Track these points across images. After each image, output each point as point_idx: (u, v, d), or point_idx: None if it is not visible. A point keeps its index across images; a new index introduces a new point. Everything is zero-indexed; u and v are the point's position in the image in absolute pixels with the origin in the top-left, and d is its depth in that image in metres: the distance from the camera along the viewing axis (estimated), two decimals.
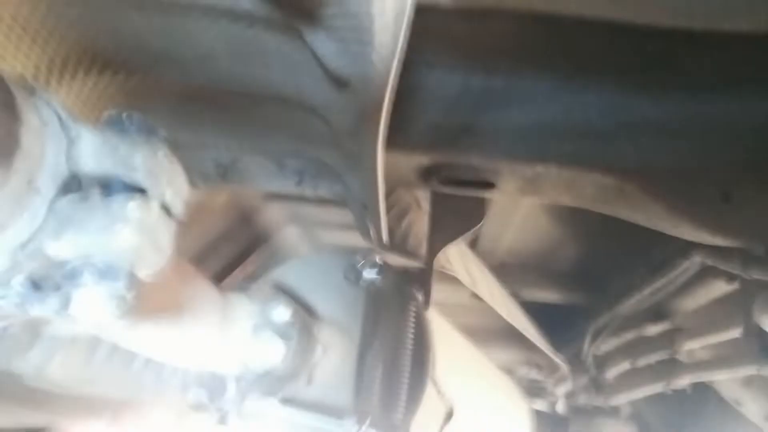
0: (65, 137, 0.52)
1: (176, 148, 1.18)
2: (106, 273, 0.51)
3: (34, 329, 1.24)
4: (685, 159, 1.16)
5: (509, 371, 3.17)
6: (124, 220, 0.51)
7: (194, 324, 0.92)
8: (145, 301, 0.76)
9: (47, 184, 0.50)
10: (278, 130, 1.12)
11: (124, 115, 0.56)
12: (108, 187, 0.54)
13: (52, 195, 0.51)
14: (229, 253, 1.93)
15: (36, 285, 0.52)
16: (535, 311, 2.67)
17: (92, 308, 0.50)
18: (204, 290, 0.98)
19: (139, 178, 0.52)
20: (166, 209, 0.56)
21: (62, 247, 0.51)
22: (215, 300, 1.02)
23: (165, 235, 0.56)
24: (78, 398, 1.68)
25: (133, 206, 0.52)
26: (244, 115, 1.08)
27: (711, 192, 1.15)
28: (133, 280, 0.53)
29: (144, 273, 0.55)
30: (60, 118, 0.53)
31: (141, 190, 0.54)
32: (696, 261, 1.69)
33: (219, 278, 1.66)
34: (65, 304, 0.50)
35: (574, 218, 2.21)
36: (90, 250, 0.51)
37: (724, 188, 1.15)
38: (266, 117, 1.08)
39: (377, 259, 1.28)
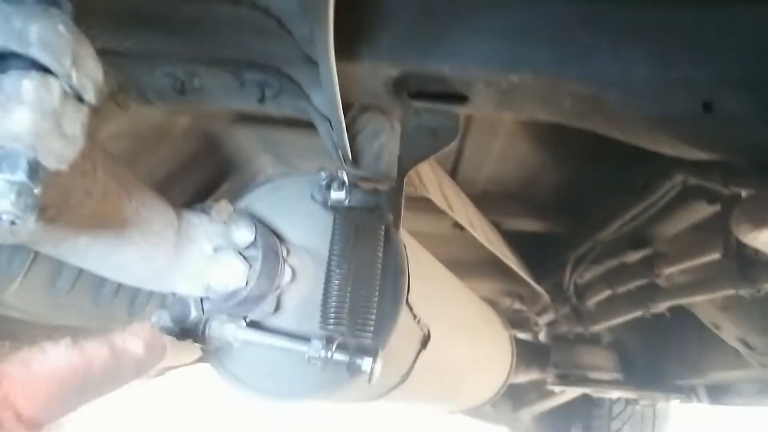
0: None
1: (126, 58, 1.11)
2: (2, 161, 0.46)
3: None
4: (666, 69, 1.11)
5: (491, 302, 3.20)
6: (17, 100, 0.45)
7: (143, 240, 0.87)
8: (79, 211, 0.71)
9: None
10: (233, 36, 1.04)
11: None
12: (2, 64, 0.47)
13: None
14: (197, 181, 1.87)
15: None
16: (517, 241, 2.67)
17: None
18: (155, 205, 0.93)
19: (35, 53, 0.46)
20: (74, 92, 0.50)
21: None
22: (168, 217, 0.97)
23: (73, 121, 0.50)
24: (50, 329, 1.66)
25: (27, 84, 0.46)
26: (195, 18, 1.00)
27: (691, 102, 1.10)
28: (35, 170, 0.47)
29: (51, 163, 0.49)
30: None
31: (42, 69, 0.47)
32: (677, 180, 1.66)
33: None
34: None
35: (555, 144, 2.16)
36: None
37: (706, 98, 1.10)
38: (219, 20, 1.00)
39: (344, 178, 1.23)
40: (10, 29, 0.46)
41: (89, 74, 0.51)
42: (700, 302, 2.38)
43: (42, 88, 0.46)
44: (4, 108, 0.45)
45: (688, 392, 3.11)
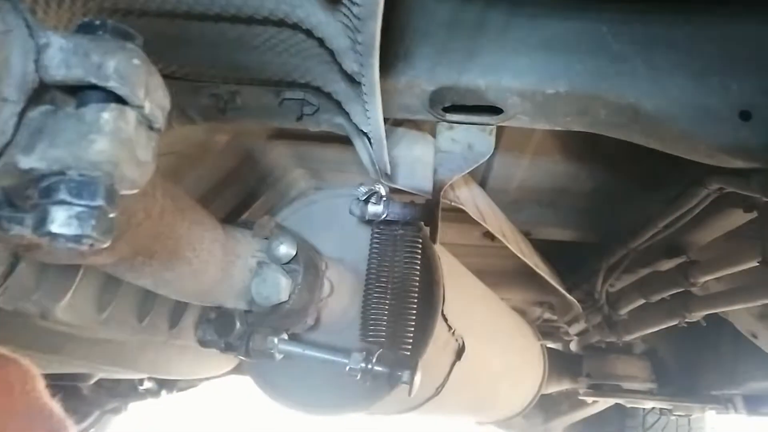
0: (33, 43, 0.49)
1: (172, 80, 1.15)
2: (83, 188, 0.48)
3: (39, 271, 1.24)
4: (703, 78, 1.12)
5: (522, 312, 3.18)
6: (98, 131, 0.48)
7: (194, 256, 0.90)
8: (139, 230, 0.74)
9: (15, 93, 0.47)
10: (275, 57, 1.07)
11: (97, 21, 0.52)
12: (82, 97, 0.50)
13: (22, 106, 0.48)
14: (235, 195, 1.91)
15: (11, 203, 0.50)
16: (548, 250, 2.65)
17: (71, 225, 0.48)
18: (205, 224, 0.96)
19: (114, 86, 0.49)
20: (146, 121, 0.53)
21: (35, 162, 0.48)
22: (217, 235, 1.00)
23: (146, 148, 0.53)
24: (93, 342, 1.71)
25: (107, 116, 0.49)
26: (238, 41, 1.03)
27: (729, 111, 1.10)
28: (112, 196, 0.50)
29: (125, 188, 0.52)
30: (27, 24, 0.49)
31: (118, 100, 0.50)
32: (713, 188, 1.64)
33: (227, 222, 1.65)
34: (42, 221, 0.48)
35: (586, 153, 2.15)
36: (65, 164, 0.48)
37: (743, 106, 1.10)
38: (261, 43, 1.03)
39: (382, 192, 1.25)
40: (90, 64, 0.49)
41: (160, 103, 0.54)
42: (736, 310, 2.34)
43: (119, 119, 0.49)
44: (86, 138, 0.48)
45: (724, 403, 3.04)
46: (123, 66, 0.49)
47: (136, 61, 0.50)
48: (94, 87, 0.50)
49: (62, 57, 0.48)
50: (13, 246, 0.58)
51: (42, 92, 0.50)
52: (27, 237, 0.50)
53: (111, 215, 0.51)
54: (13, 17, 0.48)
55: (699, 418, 3.76)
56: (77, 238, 0.48)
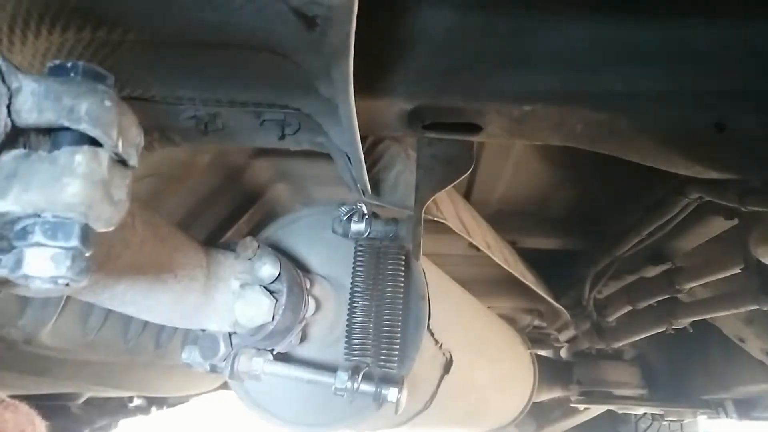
0: (6, 88, 0.49)
1: (152, 103, 1.16)
2: (57, 229, 0.49)
3: (23, 297, 1.24)
4: (676, 88, 1.13)
5: (510, 320, 3.19)
6: (71, 174, 0.49)
7: (176, 282, 0.91)
8: (120, 261, 0.75)
9: None
10: (254, 80, 1.08)
11: (69, 63, 0.53)
12: (56, 138, 0.51)
13: None
14: (219, 213, 1.91)
15: None
16: (534, 258, 2.67)
17: (46, 266, 0.48)
18: (186, 249, 0.96)
19: (86, 128, 0.50)
20: (120, 160, 0.54)
21: (9, 205, 0.49)
22: (198, 259, 1.00)
23: (120, 187, 0.54)
24: (80, 364, 1.70)
25: (80, 158, 0.49)
26: (217, 66, 1.04)
27: (704, 122, 1.12)
28: (87, 236, 0.51)
29: (100, 227, 0.53)
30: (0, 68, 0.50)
31: (91, 141, 0.51)
32: (693, 197, 1.66)
33: (212, 240, 1.65)
34: (18, 263, 0.48)
35: (567, 162, 2.18)
36: (39, 207, 0.49)
37: (718, 118, 1.12)
38: (240, 67, 1.04)
39: (364, 210, 1.26)
40: (62, 107, 0.49)
41: (132, 141, 0.54)
42: (723, 316, 2.36)
43: (92, 161, 0.50)
44: (60, 182, 0.48)
45: (715, 407, 3.06)
46: (94, 108, 0.50)
47: (107, 103, 0.51)
48: (66, 129, 0.50)
49: (34, 101, 0.49)
50: None
51: (15, 135, 0.50)
52: (3, 276, 0.51)
53: (87, 254, 0.51)
54: None
55: (691, 422, 3.78)
56: (53, 279, 0.49)
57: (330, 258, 1.44)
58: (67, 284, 0.50)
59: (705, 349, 2.97)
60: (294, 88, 1.09)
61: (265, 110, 1.22)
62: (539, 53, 1.15)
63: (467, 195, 2.35)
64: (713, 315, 2.29)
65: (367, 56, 1.12)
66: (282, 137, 1.25)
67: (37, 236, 0.49)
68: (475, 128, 1.20)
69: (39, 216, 0.50)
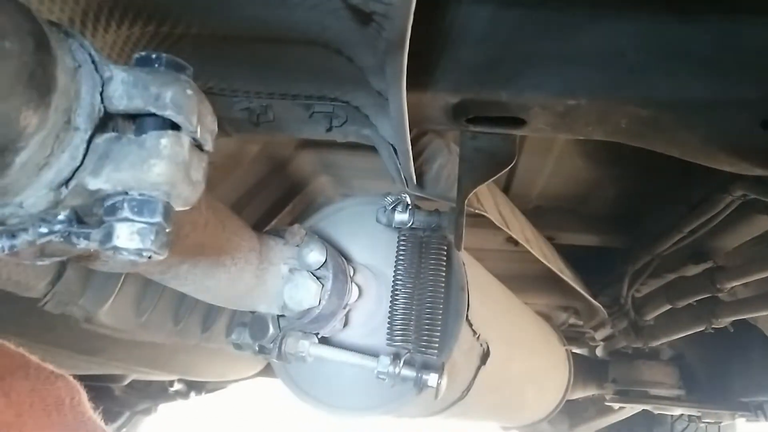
0: (99, 77, 0.54)
1: (208, 95, 1.22)
2: (144, 206, 0.54)
3: (84, 277, 1.32)
4: (722, 89, 1.13)
5: (546, 317, 3.19)
6: (157, 156, 0.54)
7: (233, 264, 0.96)
8: (186, 241, 0.80)
9: (84, 122, 0.53)
10: (306, 74, 1.13)
11: (153, 54, 0.58)
12: (141, 123, 0.56)
13: (90, 133, 0.54)
14: (264, 203, 1.97)
15: (80, 219, 0.56)
16: (572, 255, 2.66)
17: (133, 240, 0.53)
18: (242, 233, 1.01)
19: (171, 114, 0.54)
20: (197, 144, 0.59)
21: (102, 183, 0.54)
22: (252, 243, 1.05)
23: (198, 169, 0.59)
24: (131, 345, 1.78)
25: (165, 142, 0.54)
26: (272, 59, 1.09)
27: (749, 120, 1.11)
28: (169, 213, 0.56)
29: (179, 205, 0.58)
30: (93, 59, 0.55)
31: (173, 126, 0.56)
32: (737, 194, 1.65)
33: (257, 229, 1.71)
34: (108, 237, 0.54)
35: (609, 159, 2.17)
36: (128, 185, 0.54)
37: (764, 116, 1.11)
38: (293, 60, 1.08)
39: (408, 201, 1.29)
40: (149, 95, 0.54)
41: (209, 128, 0.59)
42: (764, 316, 2.33)
43: (176, 144, 0.55)
44: (147, 162, 0.53)
45: (754, 410, 3.00)
46: (178, 96, 0.54)
47: (189, 92, 0.55)
48: (151, 114, 0.55)
49: (124, 89, 0.54)
50: (71, 256, 0.64)
51: (106, 120, 0.55)
52: (92, 250, 0.56)
53: (168, 230, 0.56)
54: (81, 54, 0.54)
55: (729, 425, 3.71)
56: (138, 252, 0.54)
57: (371, 248, 1.48)
58: (150, 257, 0.55)
59: (745, 350, 2.91)
60: (344, 82, 1.13)
61: (314, 102, 1.26)
62: (584, 49, 1.16)
63: (506, 190, 2.36)
64: (754, 315, 2.25)
65: (414, 50, 1.16)
66: (329, 129, 1.30)
67: (126, 212, 0.54)
68: (519, 122, 1.22)
69: (126, 194, 0.55)
